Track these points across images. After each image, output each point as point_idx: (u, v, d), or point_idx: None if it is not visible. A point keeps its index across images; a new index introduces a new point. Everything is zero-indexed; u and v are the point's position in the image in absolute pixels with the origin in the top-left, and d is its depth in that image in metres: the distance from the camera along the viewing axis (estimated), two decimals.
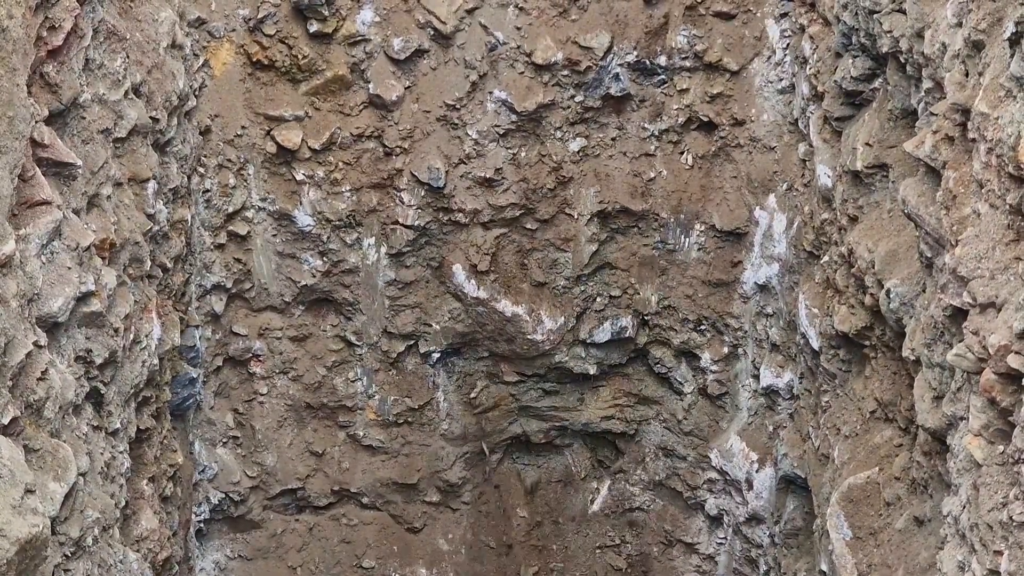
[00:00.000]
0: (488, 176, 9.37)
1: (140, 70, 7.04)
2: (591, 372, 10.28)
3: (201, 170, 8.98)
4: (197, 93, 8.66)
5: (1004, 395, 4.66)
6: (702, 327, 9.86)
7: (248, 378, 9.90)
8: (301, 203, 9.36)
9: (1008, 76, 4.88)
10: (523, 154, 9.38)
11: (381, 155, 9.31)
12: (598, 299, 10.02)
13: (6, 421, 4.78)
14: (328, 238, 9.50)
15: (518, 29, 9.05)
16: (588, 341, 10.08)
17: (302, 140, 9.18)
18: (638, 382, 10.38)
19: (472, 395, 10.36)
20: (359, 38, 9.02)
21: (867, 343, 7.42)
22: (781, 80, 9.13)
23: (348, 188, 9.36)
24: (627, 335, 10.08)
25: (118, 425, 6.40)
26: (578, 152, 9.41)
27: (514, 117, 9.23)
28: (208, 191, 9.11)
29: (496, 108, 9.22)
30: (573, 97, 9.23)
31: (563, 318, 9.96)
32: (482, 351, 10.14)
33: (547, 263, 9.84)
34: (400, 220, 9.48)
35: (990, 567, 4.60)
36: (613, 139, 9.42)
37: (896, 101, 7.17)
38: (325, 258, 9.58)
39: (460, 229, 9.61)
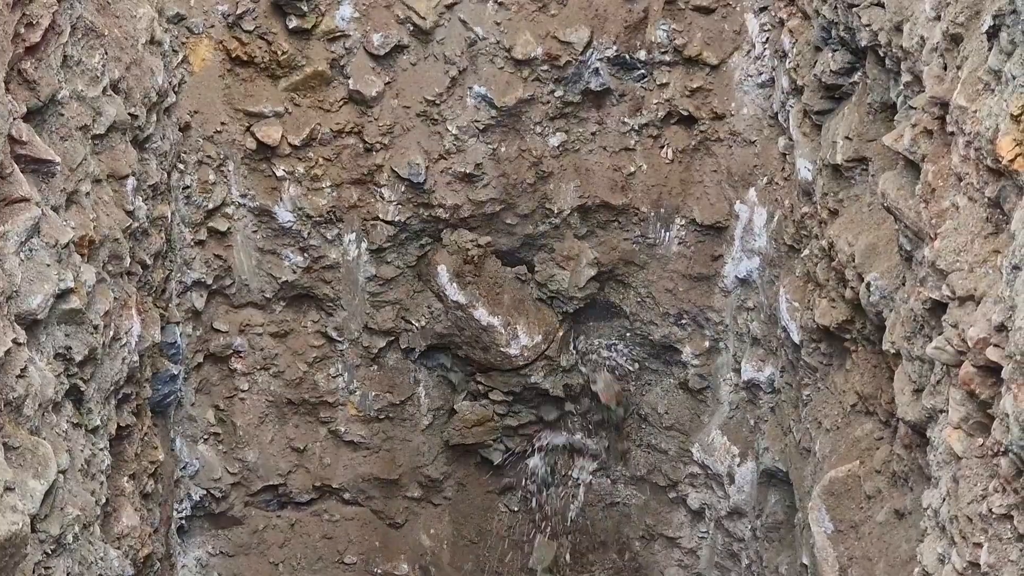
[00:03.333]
0: (468, 172, 9.37)
1: (118, 66, 7.02)
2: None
3: (181, 166, 8.96)
4: (176, 89, 8.64)
5: (983, 388, 4.67)
6: (683, 321, 9.86)
7: (229, 374, 9.88)
8: (281, 199, 9.35)
9: (986, 69, 4.89)
10: (503, 149, 9.38)
11: (361, 151, 9.30)
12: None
13: None
14: (309, 234, 9.49)
15: (497, 24, 9.05)
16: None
17: (282, 136, 9.17)
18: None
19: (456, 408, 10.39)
20: (338, 34, 9.01)
21: (848, 336, 7.44)
22: (761, 74, 9.14)
23: (328, 184, 9.35)
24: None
25: (98, 422, 6.39)
26: (558, 147, 9.41)
27: (494, 112, 9.22)
28: (188, 187, 9.09)
29: (476, 103, 9.22)
30: (553, 92, 9.23)
31: (540, 336, 9.95)
32: (461, 355, 10.12)
33: (543, 277, 9.87)
34: (381, 216, 9.47)
35: (970, 559, 4.61)
36: (593, 134, 9.42)
37: (875, 95, 7.19)
38: (306, 254, 9.57)
39: (449, 229, 9.59)
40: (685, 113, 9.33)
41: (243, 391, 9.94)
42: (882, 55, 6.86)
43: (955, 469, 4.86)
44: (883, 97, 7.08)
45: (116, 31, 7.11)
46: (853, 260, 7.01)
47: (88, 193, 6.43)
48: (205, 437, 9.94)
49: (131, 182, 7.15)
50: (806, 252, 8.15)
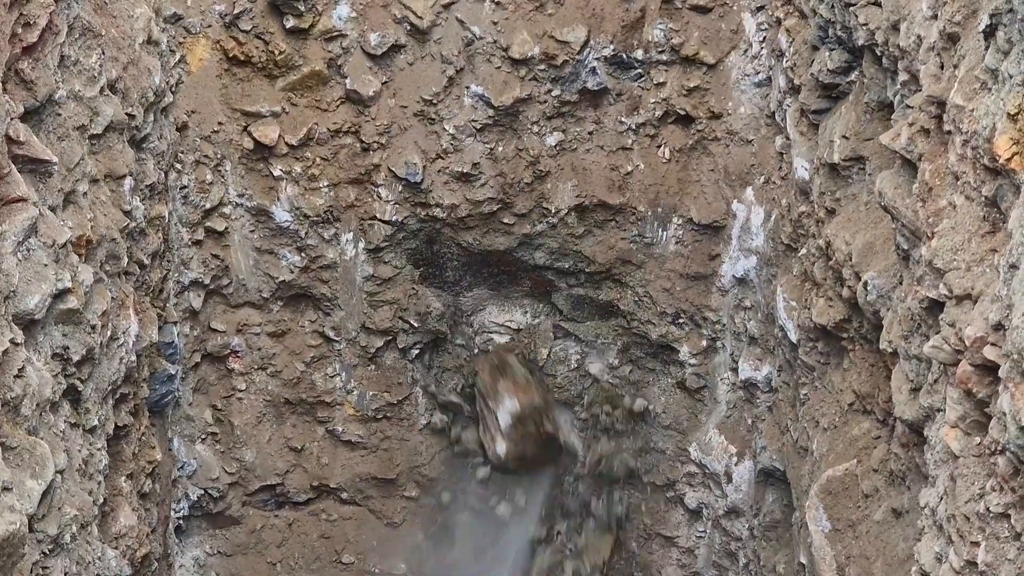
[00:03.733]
0: (466, 171, 9.36)
1: (116, 66, 7.02)
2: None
3: (178, 166, 8.96)
4: (174, 89, 8.64)
5: (980, 387, 4.67)
6: (680, 320, 9.86)
7: (227, 374, 9.88)
8: (279, 199, 9.35)
9: (983, 68, 4.89)
10: (500, 149, 9.37)
11: (358, 151, 9.30)
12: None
13: None
14: (306, 234, 9.49)
15: (494, 24, 9.04)
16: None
17: (279, 136, 9.17)
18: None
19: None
20: (335, 33, 9.00)
21: (845, 335, 7.43)
22: (758, 73, 9.14)
23: (326, 184, 9.35)
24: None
25: (96, 422, 6.39)
26: (555, 146, 9.41)
27: (491, 112, 9.22)
28: (185, 187, 9.09)
29: (473, 103, 9.21)
30: (550, 91, 9.23)
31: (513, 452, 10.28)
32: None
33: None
34: (378, 215, 9.47)
35: (967, 558, 4.61)
36: (590, 133, 9.41)
37: (872, 94, 7.19)
38: (303, 254, 9.57)
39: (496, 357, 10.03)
40: (682, 112, 9.33)
41: (241, 391, 9.93)
42: (879, 54, 6.86)
43: (952, 468, 4.86)
44: (880, 96, 7.08)
45: (113, 31, 7.11)
46: (850, 259, 7.00)
47: (85, 193, 6.43)
48: (203, 437, 9.94)
49: (128, 182, 7.15)
50: (803, 251, 8.15)
